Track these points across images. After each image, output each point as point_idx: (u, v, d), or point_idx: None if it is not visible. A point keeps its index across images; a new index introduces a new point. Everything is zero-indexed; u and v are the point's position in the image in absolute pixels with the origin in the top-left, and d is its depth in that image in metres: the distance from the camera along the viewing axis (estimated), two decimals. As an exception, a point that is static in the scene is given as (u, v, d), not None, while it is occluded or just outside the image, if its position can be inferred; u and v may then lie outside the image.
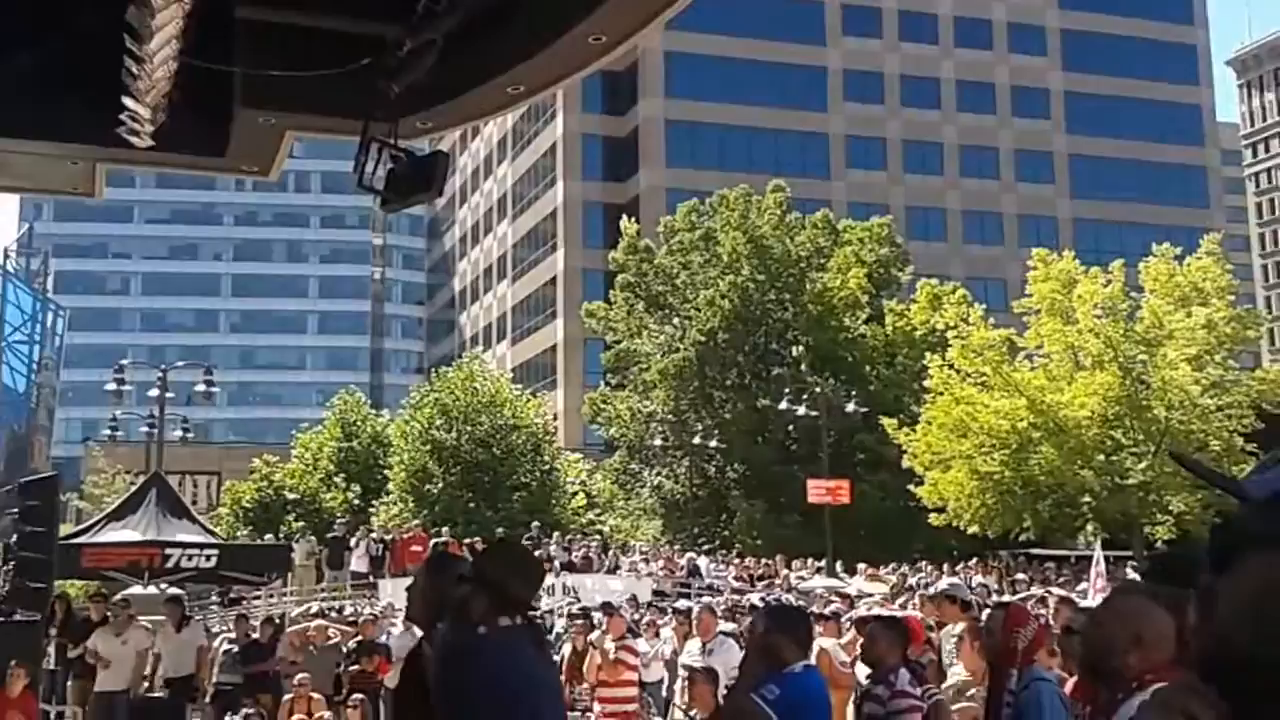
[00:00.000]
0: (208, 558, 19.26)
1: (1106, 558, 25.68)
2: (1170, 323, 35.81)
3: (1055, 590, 20.41)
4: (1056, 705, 6.36)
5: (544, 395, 56.39)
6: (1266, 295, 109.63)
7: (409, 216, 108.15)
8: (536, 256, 73.05)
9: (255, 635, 17.03)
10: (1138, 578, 22.13)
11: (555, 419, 55.36)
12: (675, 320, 47.87)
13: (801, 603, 19.45)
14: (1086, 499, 36.07)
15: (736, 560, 33.90)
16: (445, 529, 33.16)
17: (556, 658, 12.82)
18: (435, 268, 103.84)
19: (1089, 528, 37.36)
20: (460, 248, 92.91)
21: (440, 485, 44.04)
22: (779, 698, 5.53)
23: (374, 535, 32.49)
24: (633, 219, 51.84)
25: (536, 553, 21.76)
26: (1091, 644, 4.13)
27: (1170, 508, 35.65)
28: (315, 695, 13.49)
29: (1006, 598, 16.36)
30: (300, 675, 14.26)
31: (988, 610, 9.07)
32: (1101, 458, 35.43)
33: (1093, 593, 19.27)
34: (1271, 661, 1.29)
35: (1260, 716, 1.33)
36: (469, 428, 44.85)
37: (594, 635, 13.51)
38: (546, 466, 45.47)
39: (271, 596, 27.66)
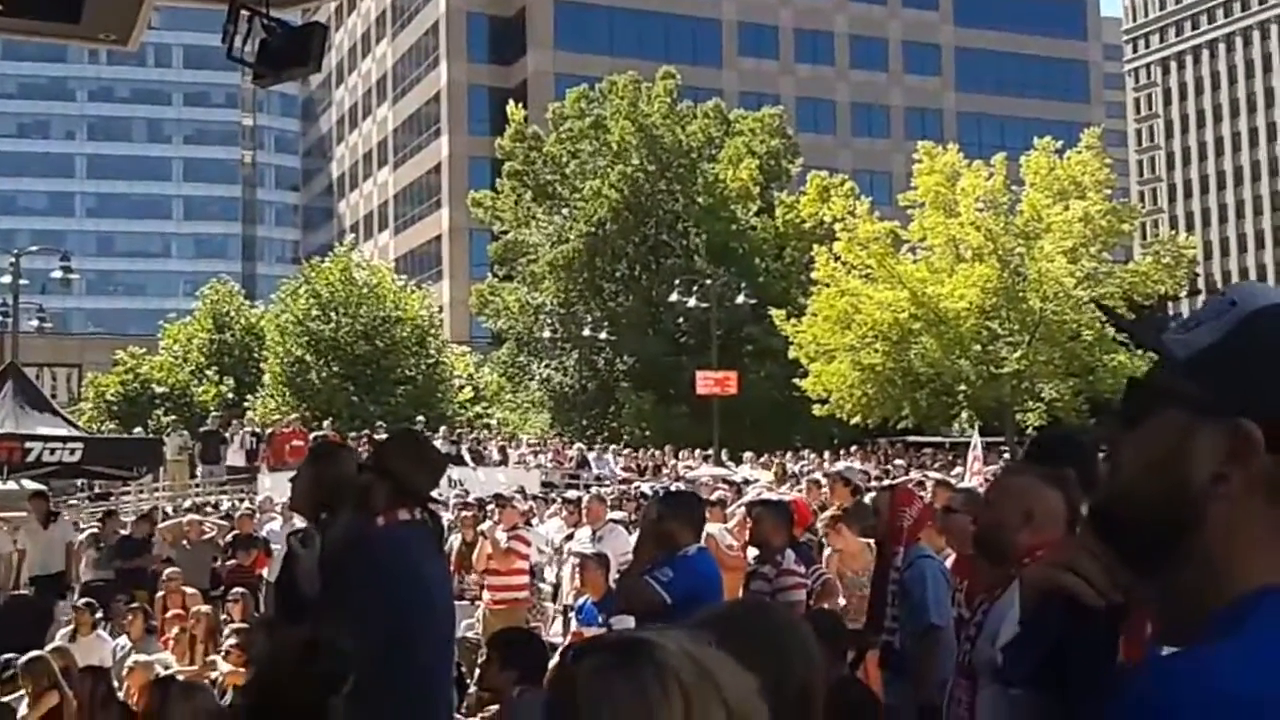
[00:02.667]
0: (71, 451, 18.49)
1: (982, 444, 26.36)
2: (1048, 216, 36.34)
3: (932, 474, 20.95)
4: (940, 581, 6.57)
5: (429, 287, 55.63)
6: (1140, 190, 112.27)
7: (281, 96, 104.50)
8: (420, 142, 71.54)
9: (127, 531, 16.75)
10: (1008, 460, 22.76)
11: (441, 311, 54.70)
12: (564, 210, 47.35)
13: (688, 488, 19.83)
14: (963, 388, 36.89)
15: (625, 451, 34.15)
16: (326, 423, 32.79)
17: (445, 549, 12.69)
18: (311, 152, 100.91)
19: (964, 415, 38.28)
20: (338, 131, 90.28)
21: (319, 378, 43.44)
22: (672, 580, 5.67)
23: (249, 429, 31.91)
24: (520, 104, 50.90)
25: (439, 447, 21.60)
26: (984, 523, 4.20)
27: (1042, 395, 36.84)
28: (189, 590, 13.32)
29: (888, 481, 16.70)
30: (170, 570, 14.02)
31: (871, 493, 9.47)
32: (978, 348, 36.21)
33: (968, 476, 19.70)
34: (1167, 518, 1.30)
35: (1151, 569, 1.34)
36: (349, 320, 44.15)
37: (485, 525, 13.61)
38: (432, 359, 45.01)
39: (142, 492, 26.96)
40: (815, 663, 2.23)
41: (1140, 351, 35.16)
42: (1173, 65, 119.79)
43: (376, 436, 24.52)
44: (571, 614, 11.02)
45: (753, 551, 8.36)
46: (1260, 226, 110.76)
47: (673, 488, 21.55)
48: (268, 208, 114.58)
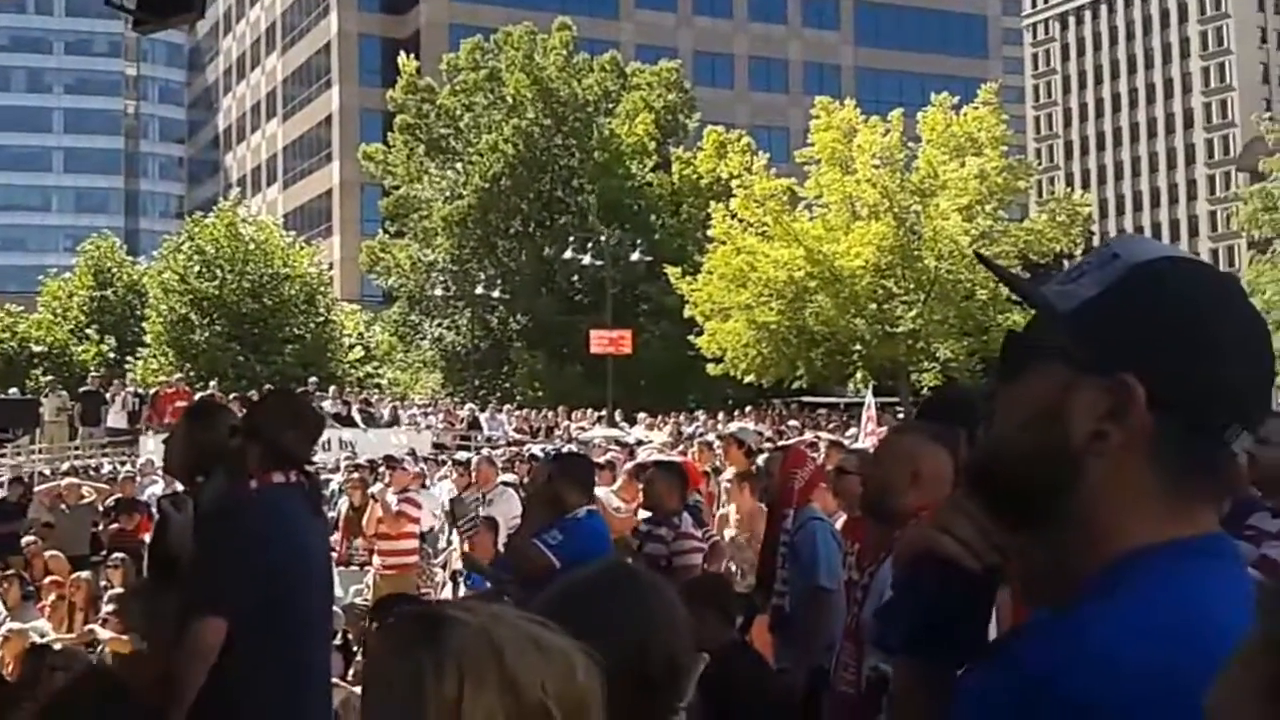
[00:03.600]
0: (-59, 412, 17.85)
1: (876, 404, 26.40)
2: (945, 173, 36.41)
3: (825, 435, 20.92)
4: (830, 543, 6.56)
5: (318, 243, 54.66)
6: (1037, 147, 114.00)
7: (166, 45, 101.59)
8: (309, 94, 70.14)
9: (3, 494, 16.26)
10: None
11: (330, 268, 53.76)
12: (458, 165, 46.67)
13: (580, 451, 19.66)
14: (858, 347, 36.97)
15: (517, 412, 33.85)
16: (212, 383, 31.95)
17: (332, 514, 12.71)
18: (197, 103, 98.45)
19: (859, 375, 38.42)
20: (225, 81, 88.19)
21: (204, 337, 42.43)
22: (561, 543, 5.68)
23: (131, 390, 31.00)
24: (413, 55, 49.99)
25: (316, 407, 21.15)
26: (870, 484, 4.20)
27: (937, 355, 37.07)
28: (51, 554, 12.80)
29: (781, 443, 16.64)
30: (27, 539, 13.63)
31: (764, 454, 9.45)
32: (873, 306, 36.29)
33: (863, 436, 19.65)
34: (1044, 475, 1.26)
35: (1028, 527, 1.31)
36: (235, 277, 43.14)
37: (375, 488, 13.45)
38: (321, 318, 44.35)
39: (19, 454, 26.17)
40: (682, 631, 2.16)
41: (1034, 311, 35.59)
42: (1071, 20, 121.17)
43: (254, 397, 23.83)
44: (460, 579, 10.92)
45: (643, 514, 8.39)
46: (1156, 184, 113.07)
47: (565, 449, 21.49)
48: (151, 161, 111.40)
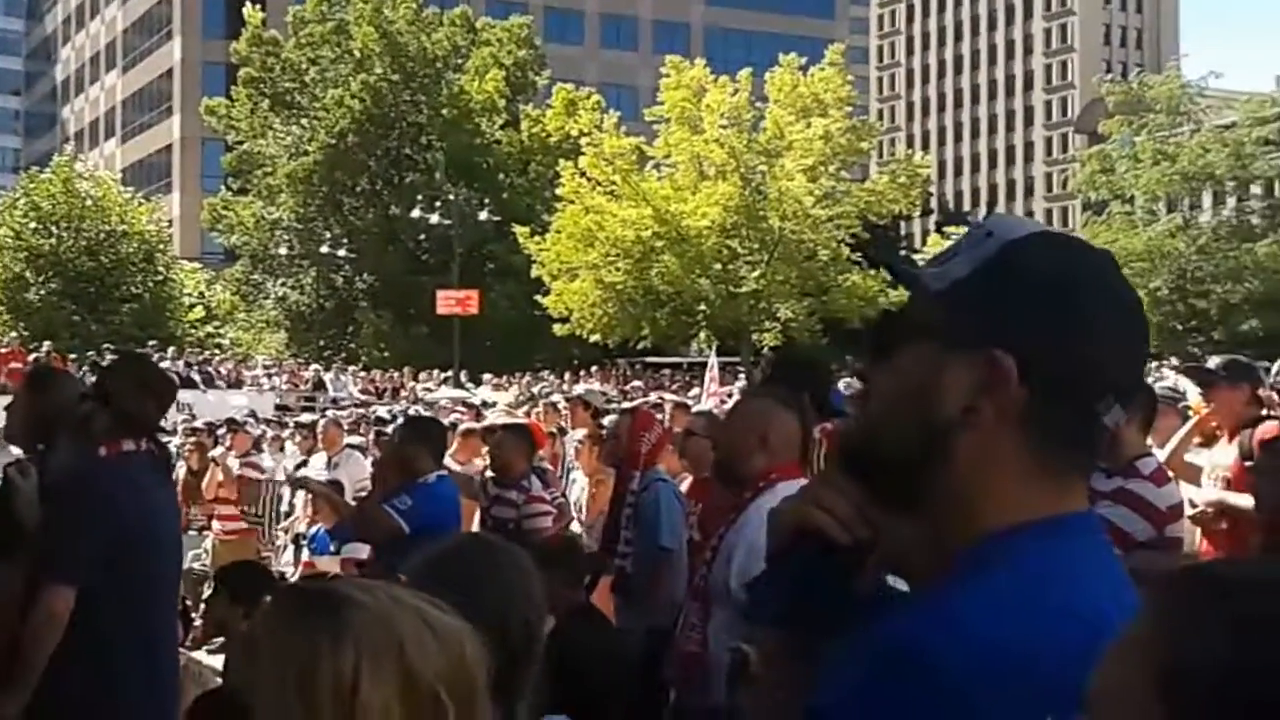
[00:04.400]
0: None
1: (718, 364, 26.87)
2: (790, 134, 36.85)
3: (669, 396, 21.24)
4: (673, 504, 6.66)
5: (158, 199, 53.17)
6: (880, 108, 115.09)
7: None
8: (150, 45, 68.06)
9: None
10: (744, 381, 23.28)
11: (170, 225, 52.41)
12: (303, 121, 45.68)
13: (429, 414, 19.60)
14: (702, 307, 37.36)
15: (363, 373, 33.56)
16: (46, 344, 31.05)
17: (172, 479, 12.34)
18: (34, 53, 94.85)
19: (702, 335, 38.80)
20: (63, 31, 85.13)
21: (39, 296, 41.13)
22: (411, 508, 5.69)
23: (-42, 350, 30.03)
24: (257, 6, 48.39)
25: (168, 374, 20.64)
26: (722, 447, 4.29)
27: (778, 315, 37.56)
28: None
29: (626, 404, 16.82)
30: None
31: (611, 416, 9.45)
32: (718, 267, 36.68)
33: (706, 397, 19.98)
34: (917, 451, 1.29)
35: (902, 504, 1.33)
36: (71, 234, 41.86)
37: (216, 452, 13.15)
38: (160, 277, 43.35)
39: None
40: (537, 599, 2.21)
41: (873, 271, 36.49)
42: None
43: (101, 361, 23.28)
44: (303, 543, 10.85)
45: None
46: (994, 146, 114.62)
47: (411, 410, 21.42)
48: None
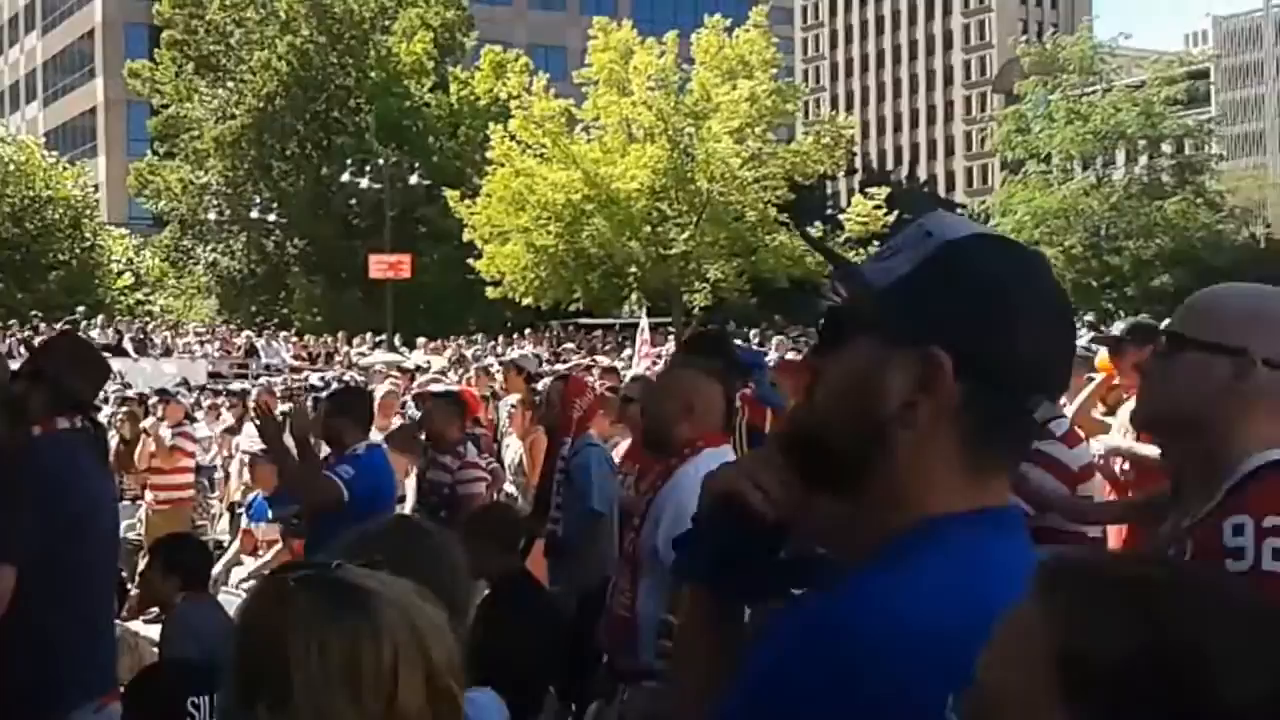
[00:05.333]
0: None
1: (649, 325, 27.21)
2: (717, 95, 37.08)
3: (601, 359, 21.57)
4: (603, 468, 6.79)
5: (83, 164, 52.21)
6: (804, 68, 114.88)
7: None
8: (70, 5, 66.47)
9: None
10: (672, 344, 23.67)
11: (96, 190, 51.49)
12: (229, 84, 45.04)
13: (362, 379, 19.67)
14: (633, 269, 37.68)
15: (295, 339, 33.48)
16: (-29, 314, 30.77)
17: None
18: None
19: (634, 297, 39.09)
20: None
21: (-39, 266, 40.58)
22: (354, 477, 5.74)
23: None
24: (180, -34, 47.77)
25: (100, 351, 20.46)
26: (650, 415, 4.40)
27: (708, 276, 37.97)
28: None
29: (560, 368, 17.05)
30: None
31: (545, 380, 9.59)
32: (648, 229, 36.94)
33: (638, 359, 20.29)
34: (858, 442, 1.35)
35: (842, 491, 1.40)
36: (-7, 201, 41.29)
37: (148, 422, 12.87)
38: (87, 243, 42.84)
39: None
40: (462, 578, 2.29)
41: (799, 231, 36.88)
42: None
43: (35, 338, 23.09)
44: (240, 511, 10.84)
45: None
46: (916, 105, 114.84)
47: (346, 376, 21.47)
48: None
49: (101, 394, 18.63)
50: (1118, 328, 6.83)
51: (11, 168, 42.28)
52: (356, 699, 1.50)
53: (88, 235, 43.18)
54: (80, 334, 18.02)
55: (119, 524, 5.01)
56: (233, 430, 13.60)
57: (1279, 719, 0.90)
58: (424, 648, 1.54)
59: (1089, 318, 33.35)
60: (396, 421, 11.32)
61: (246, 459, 10.94)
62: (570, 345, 29.12)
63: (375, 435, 10.51)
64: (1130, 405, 6.11)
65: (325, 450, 6.50)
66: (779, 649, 1.29)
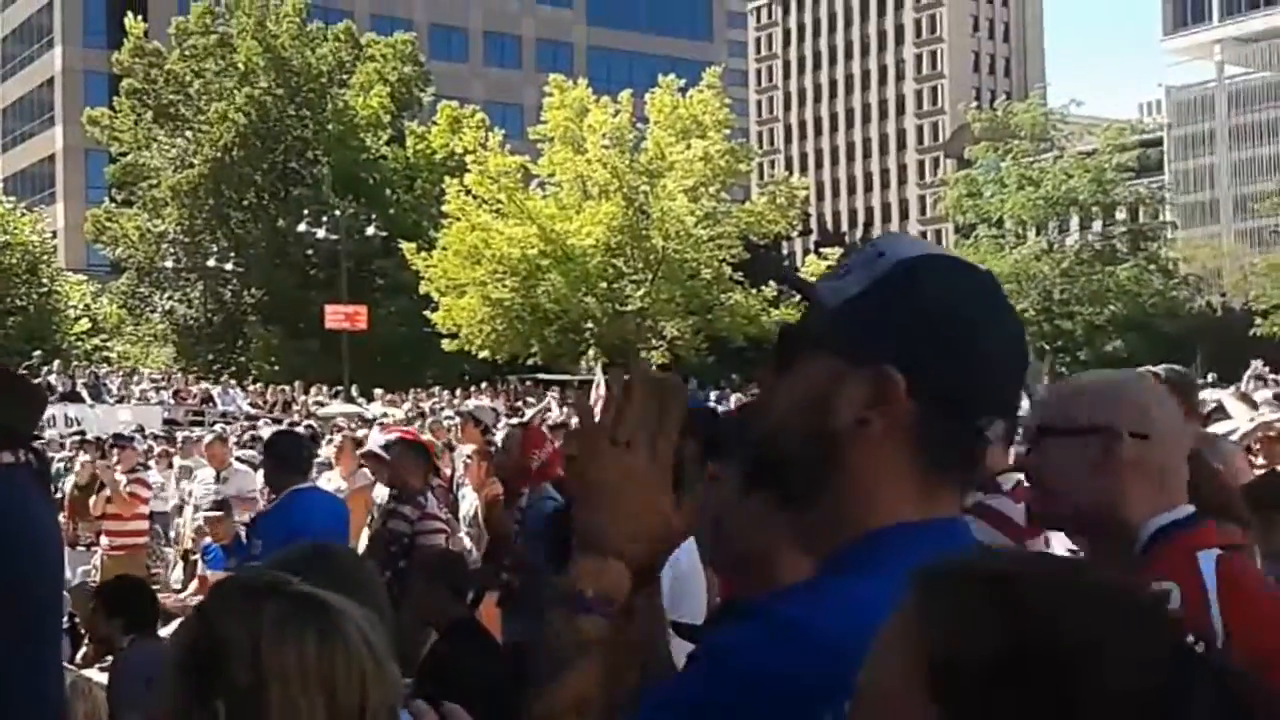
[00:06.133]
0: None
1: (605, 382, 27.45)
2: (671, 154, 37.59)
3: (552, 415, 21.69)
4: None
5: (41, 210, 52.05)
6: (759, 130, 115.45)
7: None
8: (30, 53, 66.45)
9: None
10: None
11: (54, 237, 51.42)
12: (188, 133, 45.14)
13: (318, 427, 19.70)
14: (589, 325, 38.01)
15: (253, 387, 33.47)
16: (-73, 358, 30.64)
17: (58, 494, 12.17)
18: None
19: (591, 352, 39.20)
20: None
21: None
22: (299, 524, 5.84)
23: None
24: (140, 17, 47.78)
25: (35, 382, 20.46)
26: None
27: (664, 333, 38.42)
28: None
29: (516, 421, 17.16)
30: None
31: (502, 430, 9.52)
32: (604, 285, 37.37)
33: (598, 414, 20.39)
34: (811, 458, 1.36)
35: (797, 505, 1.41)
36: (-51, 246, 41.10)
37: (101, 467, 12.79)
38: (45, 289, 42.56)
39: None
40: (384, 601, 2.28)
41: (755, 291, 37.36)
42: (793, 5, 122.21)
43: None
44: (196, 558, 10.83)
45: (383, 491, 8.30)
46: (870, 169, 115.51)
47: (302, 426, 21.54)
48: None
49: (58, 438, 18.51)
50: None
51: (-32, 212, 42.15)
52: (330, 707, 1.53)
53: (45, 281, 42.99)
54: (25, 374, 17.79)
55: (64, 562, 4.84)
56: (187, 476, 13.51)
57: (1146, 712, 0.86)
58: (381, 666, 1.58)
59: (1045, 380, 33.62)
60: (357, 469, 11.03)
61: (203, 510, 10.85)
62: (530, 399, 29.24)
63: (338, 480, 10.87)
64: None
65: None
66: (689, 675, 1.32)
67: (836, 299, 1.38)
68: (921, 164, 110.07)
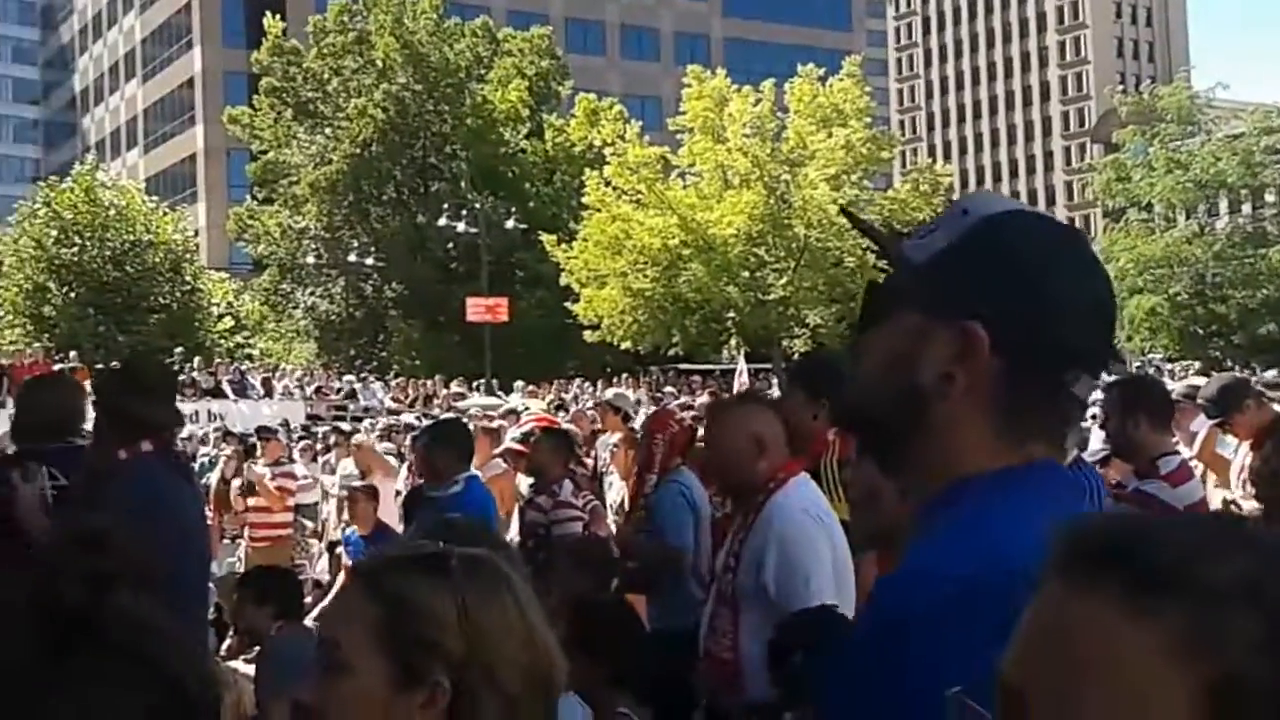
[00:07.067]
0: None
1: (749, 370, 26.79)
2: (812, 143, 37.05)
3: (699, 399, 21.14)
4: (680, 503, 6.48)
5: (183, 209, 53.15)
6: (900, 118, 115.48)
7: (18, 3, 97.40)
8: (170, 54, 67.90)
9: None
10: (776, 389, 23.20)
11: (196, 235, 52.42)
12: (327, 130, 45.66)
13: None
14: (731, 314, 37.54)
15: (394, 381, 33.54)
16: (73, 354, 31.07)
17: (204, 483, 11.94)
18: (51, 63, 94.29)
19: (733, 342, 38.89)
20: (80, 40, 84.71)
21: (61, 307, 41.18)
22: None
23: (-13, 362, 30.10)
24: (278, 16, 48.42)
25: (173, 370, 20.57)
26: (721, 463, 4.32)
27: (807, 321, 37.85)
28: None
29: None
30: None
31: (640, 418, 9.63)
32: (746, 274, 36.83)
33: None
34: (900, 415, 1.36)
35: (892, 465, 1.43)
36: (95, 244, 41.87)
37: (247, 462, 12.98)
38: (188, 287, 43.28)
39: None
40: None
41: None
42: None
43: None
44: (340, 549, 10.67)
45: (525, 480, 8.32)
46: (1014, 155, 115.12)
47: (443, 418, 21.27)
48: (5, 123, 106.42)
49: (202, 434, 18.72)
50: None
51: (113, 212, 42.93)
52: (531, 671, 1.53)
53: (188, 279, 43.68)
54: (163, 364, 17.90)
55: (209, 543, 5.14)
56: (331, 469, 13.65)
57: None
58: (547, 632, 1.60)
59: (1196, 365, 32.88)
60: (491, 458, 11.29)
61: (345, 493, 10.85)
62: (670, 389, 28.77)
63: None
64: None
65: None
66: (851, 647, 1.37)
67: (921, 255, 1.38)
68: (1068, 150, 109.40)
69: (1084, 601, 0.84)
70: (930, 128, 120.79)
